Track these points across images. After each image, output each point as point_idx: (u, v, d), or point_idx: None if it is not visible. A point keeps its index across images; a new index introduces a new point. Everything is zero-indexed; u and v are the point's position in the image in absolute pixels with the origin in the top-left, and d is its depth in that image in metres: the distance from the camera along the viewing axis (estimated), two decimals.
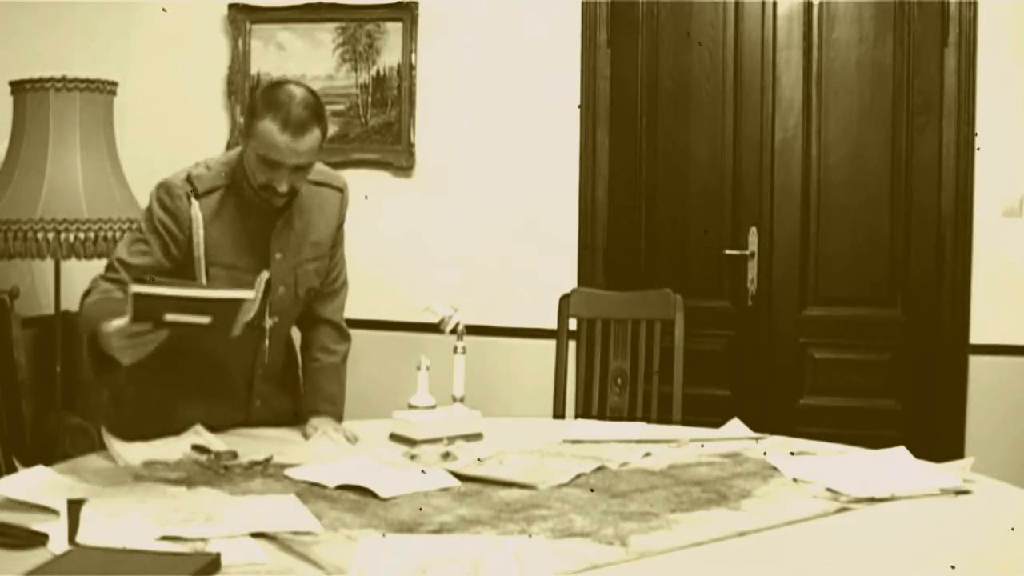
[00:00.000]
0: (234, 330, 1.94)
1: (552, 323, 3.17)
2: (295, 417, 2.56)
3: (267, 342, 2.44)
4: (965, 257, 3.70)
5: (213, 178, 2.39)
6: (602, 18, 3.92)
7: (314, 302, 2.58)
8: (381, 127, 4.08)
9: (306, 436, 2.42)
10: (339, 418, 2.54)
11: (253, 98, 2.36)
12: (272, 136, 2.22)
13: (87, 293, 2.34)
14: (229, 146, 4.14)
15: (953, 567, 1.57)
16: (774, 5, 3.86)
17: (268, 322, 2.42)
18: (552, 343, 3.16)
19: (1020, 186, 3.67)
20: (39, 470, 1.99)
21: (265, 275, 2.14)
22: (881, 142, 3.80)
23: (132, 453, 2.15)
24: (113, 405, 2.52)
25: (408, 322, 3.87)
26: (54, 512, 1.73)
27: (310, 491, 1.93)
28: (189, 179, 2.38)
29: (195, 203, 2.35)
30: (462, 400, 2.45)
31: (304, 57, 4.12)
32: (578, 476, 2.06)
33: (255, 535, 1.65)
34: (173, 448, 2.21)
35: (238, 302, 1.92)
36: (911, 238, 3.80)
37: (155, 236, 2.36)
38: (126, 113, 3.75)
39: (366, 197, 3.83)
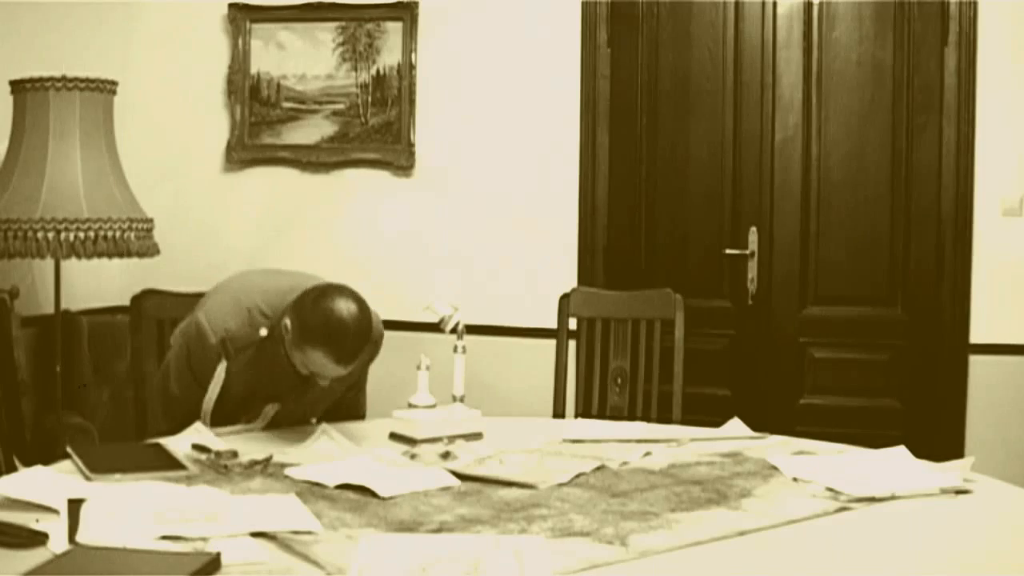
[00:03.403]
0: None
1: (552, 323, 3.17)
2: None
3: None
4: (965, 257, 3.70)
5: (249, 335, 2.34)
6: (602, 18, 3.92)
7: None
8: (381, 127, 4.08)
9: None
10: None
11: (301, 310, 2.21)
12: (324, 368, 2.22)
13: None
14: (229, 145, 4.15)
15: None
16: (774, 5, 3.86)
17: (271, 409, 2.48)
18: (552, 343, 3.16)
19: (1020, 186, 3.67)
20: (39, 470, 1.99)
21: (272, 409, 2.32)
22: (881, 142, 3.80)
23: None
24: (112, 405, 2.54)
25: (408, 321, 3.85)
26: (54, 512, 1.73)
27: (310, 491, 1.93)
28: (224, 342, 2.34)
29: (223, 364, 2.35)
30: (462, 400, 2.45)
31: (304, 56, 4.12)
32: (578, 475, 2.06)
33: (255, 535, 1.65)
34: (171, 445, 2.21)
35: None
36: (911, 238, 3.80)
37: (188, 371, 2.45)
38: (126, 113, 3.75)
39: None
